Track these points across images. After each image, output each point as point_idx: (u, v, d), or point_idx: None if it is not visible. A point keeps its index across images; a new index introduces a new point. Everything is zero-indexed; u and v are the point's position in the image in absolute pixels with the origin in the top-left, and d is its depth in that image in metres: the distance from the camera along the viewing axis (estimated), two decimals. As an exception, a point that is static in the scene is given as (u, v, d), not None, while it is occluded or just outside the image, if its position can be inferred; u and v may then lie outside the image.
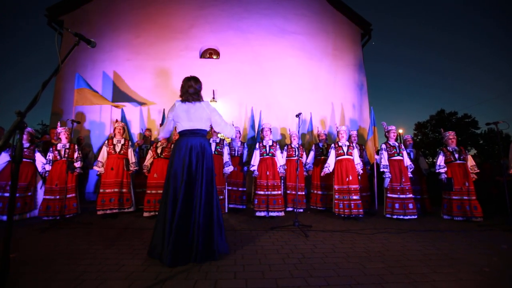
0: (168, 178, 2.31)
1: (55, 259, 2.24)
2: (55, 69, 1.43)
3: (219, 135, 4.72)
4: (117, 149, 4.31)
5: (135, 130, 6.91)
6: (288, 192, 4.87)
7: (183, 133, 2.41)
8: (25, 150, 4.11)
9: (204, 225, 2.23)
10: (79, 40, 1.59)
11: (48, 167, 4.15)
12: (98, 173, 4.34)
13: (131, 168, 4.36)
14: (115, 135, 4.43)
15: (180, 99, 2.46)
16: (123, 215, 4.33)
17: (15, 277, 1.85)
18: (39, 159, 4.23)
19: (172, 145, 4.50)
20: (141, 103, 7.12)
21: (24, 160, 4.07)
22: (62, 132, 4.27)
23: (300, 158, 4.90)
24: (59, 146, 4.21)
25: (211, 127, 4.73)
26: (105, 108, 6.85)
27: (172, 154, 2.39)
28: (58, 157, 4.15)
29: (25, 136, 4.14)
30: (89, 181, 6.46)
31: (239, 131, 5.17)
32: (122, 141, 4.38)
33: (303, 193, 4.94)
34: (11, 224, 1.10)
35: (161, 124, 2.64)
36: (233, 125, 2.72)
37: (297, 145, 4.97)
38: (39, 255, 2.35)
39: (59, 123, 4.59)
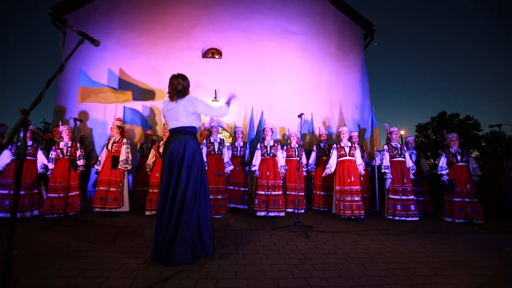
0: (161, 177, 2.34)
1: (57, 257, 2.25)
2: (59, 67, 1.43)
3: (219, 134, 4.71)
4: (109, 147, 4.32)
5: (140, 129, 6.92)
6: (288, 192, 4.84)
7: (170, 132, 2.43)
8: (28, 148, 4.13)
9: (197, 224, 2.23)
10: (83, 39, 1.59)
11: (51, 166, 4.17)
12: (96, 171, 4.36)
13: (118, 166, 4.23)
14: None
15: (168, 97, 2.44)
16: (124, 214, 4.33)
17: (18, 273, 1.86)
18: (40, 158, 4.22)
19: None
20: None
21: (28, 158, 4.09)
22: (64, 130, 4.29)
23: (299, 158, 4.89)
24: (62, 144, 4.23)
25: (209, 127, 4.72)
26: (109, 106, 6.87)
27: (163, 153, 2.43)
28: (60, 155, 4.18)
29: (27, 134, 4.15)
30: (91, 179, 6.48)
31: (242, 131, 5.17)
32: (117, 139, 4.38)
33: (303, 193, 4.93)
34: (15, 221, 1.10)
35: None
36: (228, 105, 2.62)
37: (296, 145, 4.96)
38: (42, 252, 2.36)
39: (60, 122, 4.61)
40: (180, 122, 2.37)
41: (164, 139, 4.54)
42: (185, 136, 2.35)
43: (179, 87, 2.38)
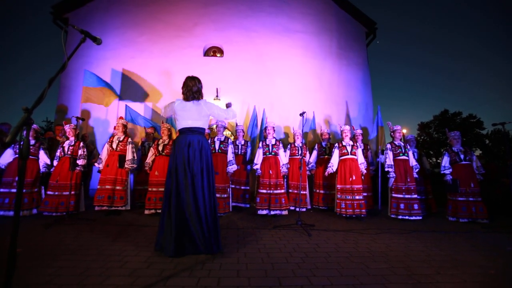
0: (170, 173, 2.42)
1: (60, 255, 2.26)
2: (61, 66, 1.43)
3: (224, 132, 4.72)
4: (114, 146, 4.33)
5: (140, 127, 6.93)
6: (290, 191, 4.85)
7: (183, 131, 2.52)
8: (30, 147, 4.14)
9: (210, 218, 2.36)
10: (85, 37, 1.59)
11: (55, 163, 4.21)
12: (99, 169, 4.38)
13: (126, 166, 4.28)
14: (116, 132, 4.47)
15: (182, 97, 2.58)
16: (126, 212, 4.35)
17: (21, 272, 1.87)
18: (42, 157, 4.23)
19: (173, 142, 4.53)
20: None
21: (30, 157, 4.10)
22: (68, 129, 4.31)
23: (303, 158, 4.89)
24: (66, 143, 4.26)
25: (214, 125, 4.72)
26: (112, 105, 6.87)
27: (172, 150, 2.50)
28: (62, 153, 4.21)
29: (30, 133, 4.18)
30: (92, 177, 6.50)
31: (243, 130, 5.16)
32: (121, 138, 4.39)
33: (306, 192, 4.93)
34: (18, 220, 1.10)
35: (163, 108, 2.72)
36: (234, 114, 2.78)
37: (300, 144, 4.96)
38: (44, 251, 2.37)
39: (64, 122, 4.64)
40: (195, 122, 2.51)
41: (164, 137, 4.54)
42: (199, 136, 2.50)
43: (194, 88, 2.54)
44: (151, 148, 4.56)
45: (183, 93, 2.56)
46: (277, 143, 4.49)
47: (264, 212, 4.24)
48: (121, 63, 7.37)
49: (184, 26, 7.66)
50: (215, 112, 2.62)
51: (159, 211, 4.15)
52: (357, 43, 8.43)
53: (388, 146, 4.55)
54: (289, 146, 5.03)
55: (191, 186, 2.35)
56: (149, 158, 4.47)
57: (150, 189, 4.25)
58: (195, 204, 2.33)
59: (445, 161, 4.48)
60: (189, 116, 2.49)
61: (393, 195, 4.33)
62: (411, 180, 4.27)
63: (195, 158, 2.41)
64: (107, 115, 7.06)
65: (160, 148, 4.41)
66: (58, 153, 4.24)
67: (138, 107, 7.05)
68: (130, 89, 7.22)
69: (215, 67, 7.44)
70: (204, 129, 2.57)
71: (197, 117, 2.50)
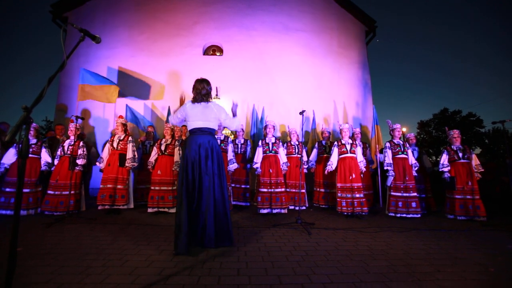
0: (182, 172, 2.48)
1: (60, 254, 2.27)
2: (61, 64, 1.43)
3: (223, 131, 4.71)
4: (115, 145, 4.33)
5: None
6: (288, 190, 4.84)
7: (193, 131, 2.60)
8: (32, 146, 4.16)
9: (222, 214, 2.45)
10: (84, 36, 1.58)
11: (56, 162, 4.22)
12: (101, 169, 4.38)
13: (126, 164, 4.29)
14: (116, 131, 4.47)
15: (191, 99, 2.66)
16: (126, 211, 4.36)
17: (22, 270, 1.88)
18: (44, 156, 4.24)
19: (177, 142, 4.54)
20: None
21: (32, 156, 4.12)
22: (73, 128, 4.31)
23: (302, 156, 4.88)
24: (66, 142, 4.27)
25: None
26: (109, 104, 6.86)
27: (183, 150, 2.58)
28: (62, 153, 4.21)
29: (31, 132, 4.19)
30: (93, 177, 6.50)
31: (242, 129, 5.16)
32: (122, 137, 4.40)
33: (304, 190, 4.92)
34: (18, 218, 1.10)
35: (172, 112, 2.85)
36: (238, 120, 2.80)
37: (296, 142, 4.95)
38: (45, 250, 2.37)
39: (71, 120, 4.65)
40: (205, 123, 2.59)
41: (166, 137, 4.55)
42: (209, 136, 2.60)
43: (203, 91, 2.63)
44: (154, 147, 4.56)
45: (193, 96, 2.65)
46: (277, 141, 4.49)
47: (266, 211, 4.24)
48: (121, 62, 7.36)
49: (184, 25, 7.63)
50: (223, 116, 2.70)
51: (162, 209, 4.17)
52: (357, 41, 8.41)
53: (387, 144, 4.56)
54: (285, 145, 5.01)
55: (200, 185, 2.44)
56: (152, 157, 4.48)
57: (152, 188, 4.27)
58: (206, 201, 2.42)
59: (444, 159, 4.49)
60: (199, 117, 2.58)
61: (392, 193, 4.33)
62: (409, 179, 4.28)
63: (207, 157, 2.50)
64: (106, 114, 7.05)
65: (163, 147, 4.42)
66: (58, 152, 4.24)
67: (138, 106, 7.04)
68: (130, 88, 7.20)
69: (214, 66, 7.43)
70: (214, 129, 2.66)
71: (207, 118, 2.59)
